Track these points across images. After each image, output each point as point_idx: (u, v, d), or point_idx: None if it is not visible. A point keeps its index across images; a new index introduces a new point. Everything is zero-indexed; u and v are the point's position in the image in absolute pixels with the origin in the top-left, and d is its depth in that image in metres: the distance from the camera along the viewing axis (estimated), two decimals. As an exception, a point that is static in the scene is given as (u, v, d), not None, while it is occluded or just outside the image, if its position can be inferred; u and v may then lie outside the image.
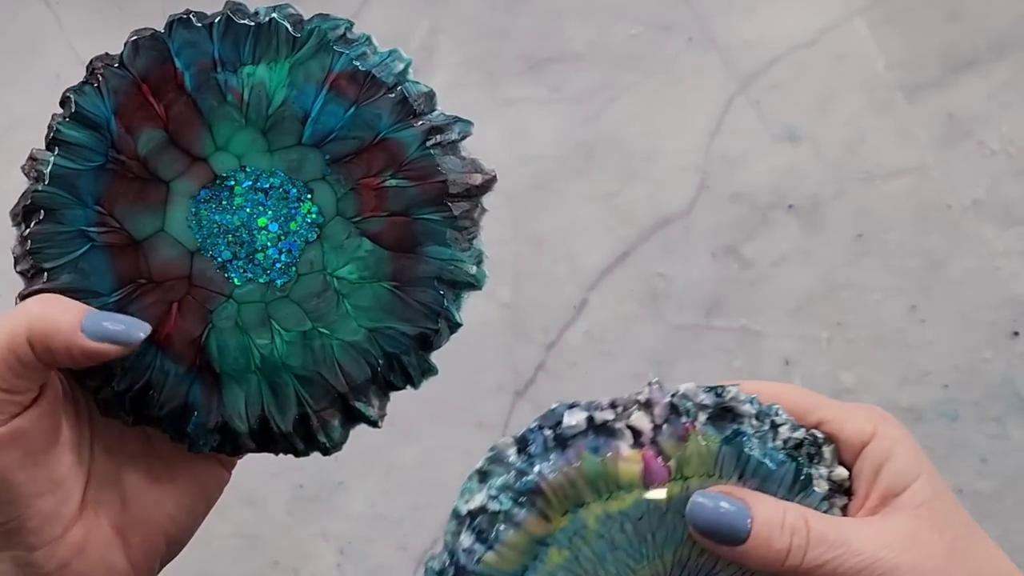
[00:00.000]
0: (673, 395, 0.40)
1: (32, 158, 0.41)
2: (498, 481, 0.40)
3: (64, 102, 0.41)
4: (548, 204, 0.87)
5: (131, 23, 0.83)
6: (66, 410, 0.41)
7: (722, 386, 0.40)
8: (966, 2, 0.83)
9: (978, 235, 0.81)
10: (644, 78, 0.88)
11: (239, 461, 0.46)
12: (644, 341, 0.85)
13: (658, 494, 0.39)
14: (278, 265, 0.42)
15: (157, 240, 0.41)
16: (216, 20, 0.42)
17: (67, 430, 0.40)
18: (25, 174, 0.41)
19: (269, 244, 0.42)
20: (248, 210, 0.42)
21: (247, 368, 0.42)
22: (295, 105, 0.42)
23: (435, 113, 0.43)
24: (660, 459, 0.40)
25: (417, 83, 0.43)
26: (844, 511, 0.40)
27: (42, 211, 0.41)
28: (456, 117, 0.44)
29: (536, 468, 0.40)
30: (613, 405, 0.40)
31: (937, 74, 0.82)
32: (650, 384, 0.40)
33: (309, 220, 0.42)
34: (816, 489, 0.40)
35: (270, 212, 0.42)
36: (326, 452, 0.43)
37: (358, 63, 0.42)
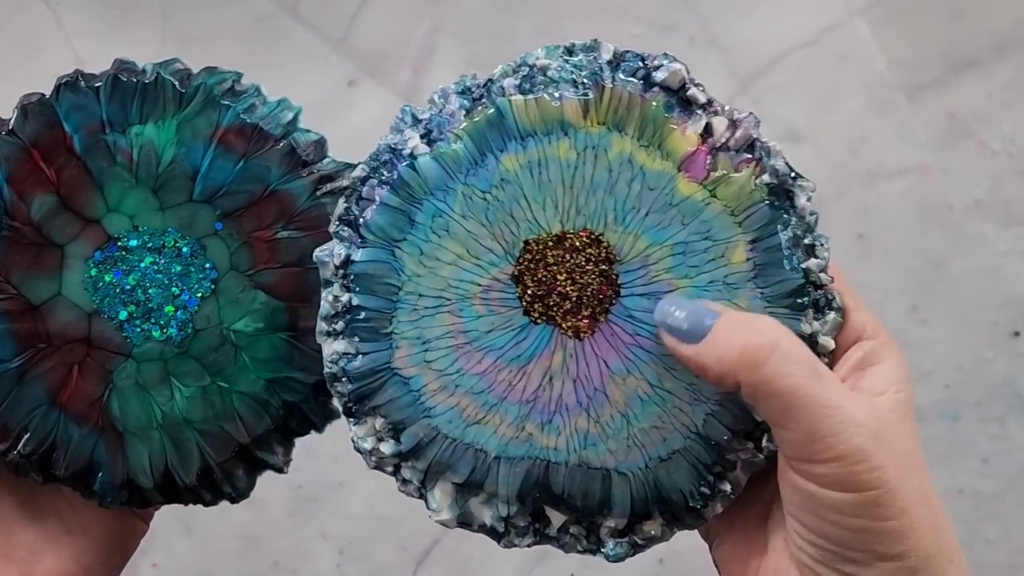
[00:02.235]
0: (760, 138, 0.40)
1: None
2: (579, 58, 0.40)
3: (-47, 173, 0.42)
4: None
5: (131, 23, 0.84)
6: None
7: (799, 175, 0.40)
8: (967, 2, 0.82)
9: (979, 235, 0.80)
10: None
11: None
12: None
13: (684, 186, 0.39)
14: (175, 322, 0.43)
15: (55, 304, 0.42)
16: (103, 82, 0.42)
17: None
18: None
19: (165, 302, 0.42)
20: (142, 269, 0.42)
21: (149, 425, 0.42)
22: (184, 162, 0.42)
23: (325, 161, 0.43)
24: (709, 162, 0.39)
25: (308, 131, 0.44)
26: None
27: (-59, 281, 0.42)
28: (347, 164, 0.44)
29: (615, 75, 0.39)
30: (710, 100, 0.40)
31: (938, 74, 0.82)
32: (752, 113, 0.40)
33: (203, 276, 0.43)
34: (801, 321, 0.39)
35: (164, 270, 0.42)
36: (233, 501, 0.44)
37: (245, 116, 0.43)
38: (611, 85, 0.39)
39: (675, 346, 0.38)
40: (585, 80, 0.39)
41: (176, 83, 0.43)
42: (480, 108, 0.40)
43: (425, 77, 0.82)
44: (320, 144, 0.44)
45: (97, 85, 0.42)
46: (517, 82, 0.40)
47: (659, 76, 0.39)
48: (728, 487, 0.40)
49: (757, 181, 0.39)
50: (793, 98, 0.85)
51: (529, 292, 0.39)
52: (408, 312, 0.39)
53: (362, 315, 0.39)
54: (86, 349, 0.42)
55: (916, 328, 0.80)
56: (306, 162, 0.43)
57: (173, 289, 0.42)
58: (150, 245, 0.42)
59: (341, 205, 0.40)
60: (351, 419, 0.40)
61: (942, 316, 0.80)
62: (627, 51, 0.40)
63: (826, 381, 0.35)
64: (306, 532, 0.76)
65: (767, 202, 0.39)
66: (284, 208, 0.43)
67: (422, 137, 0.40)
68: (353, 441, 0.40)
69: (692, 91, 0.40)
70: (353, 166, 0.44)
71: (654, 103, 0.39)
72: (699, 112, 0.40)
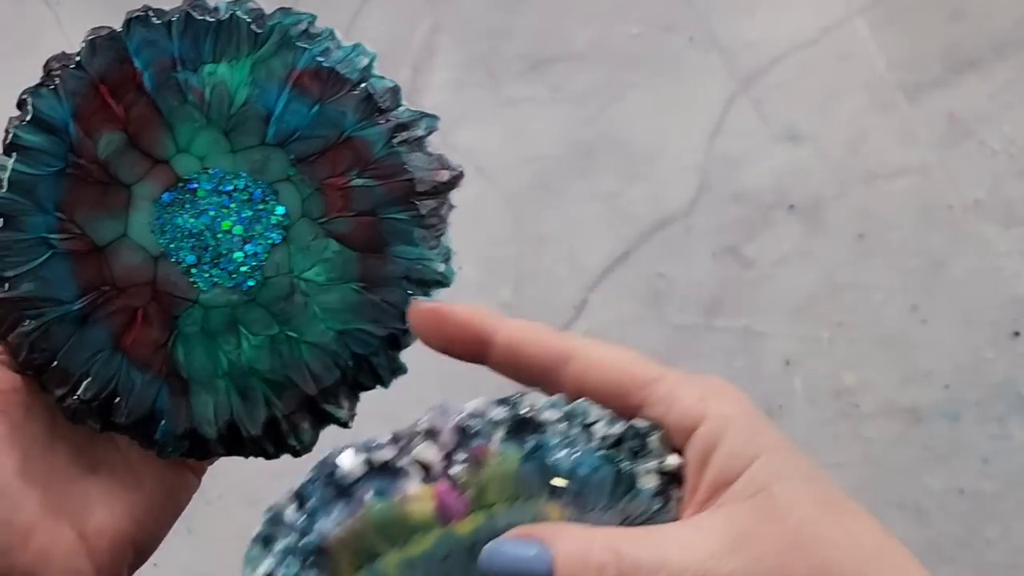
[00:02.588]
0: (460, 416, 0.35)
1: None
2: (280, 545, 0.35)
3: (21, 105, 0.41)
4: (549, 204, 0.87)
5: None
6: (15, 416, 0.40)
7: (519, 394, 0.36)
8: (968, 2, 0.82)
9: (980, 235, 0.81)
10: (645, 78, 0.88)
11: (229, 464, 0.45)
12: (645, 341, 0.84)
13: (461, 528, 0.34)
14: (244, 268, 0.41)
15: (120, 246, 0.41)
16: (175, 18, 0.41)
17: (10, 437, 0.40)
18: None
19: (234, 247, 0.41)
20: (212, 213, 0.41)
21: (215, 374, 0.41)
22: (258, 104, 0.41)
23: (400, 109, 0.42)
24: (456, 491, 0.35)
25: (382, 78, 0.43)
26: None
27: (2, 218, 0.40)
28: (422, 113, 0.43)
29: (317, 525, 0.35)
30: (395, 440, 0.35)
31: (938, 74, 0.82)
32: (432, 408, 0.36)
33: (274, 222, 0.41)
34: (644, 487, 0.35)
35: (234, 215, 0.41)
36: (296, 454, 0.42)
37: (321, 59, 0.42)
38: (330, 541, 0.35)
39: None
40: (305, 550, 0.35)
41: (251, 23, 0.41)
42: None
43: (425, 77, 0.83)
44: (395, 91, 0.43)
45: (170, 20, 0.41)
46: None
47: (344, 479, 0.35)
48: None
49: (502, 454, 0.35)
50: (793, 98, 0.85)
51: None
52: None
53: None
54: (151, 293, 0.41)
55: (916, 328, 0.81)
56: (382, 109, 0.42)
57: (243, 235, 0.41)
58: (220, 188, 0.41)
59: None
60: None
61: (942, 316, 0.81)
62: (303, 484, 0.36)
63: (664, 562, 0.32)
64: None
65: (524, 460, 0.35)
66: (359, 155, 0.41)
67: None
68: None
69: (375, 455, 0.35)
70: (426, 115, 0.43)
71: (370, 512, 0.35)
72: (401, 463, 0.35)
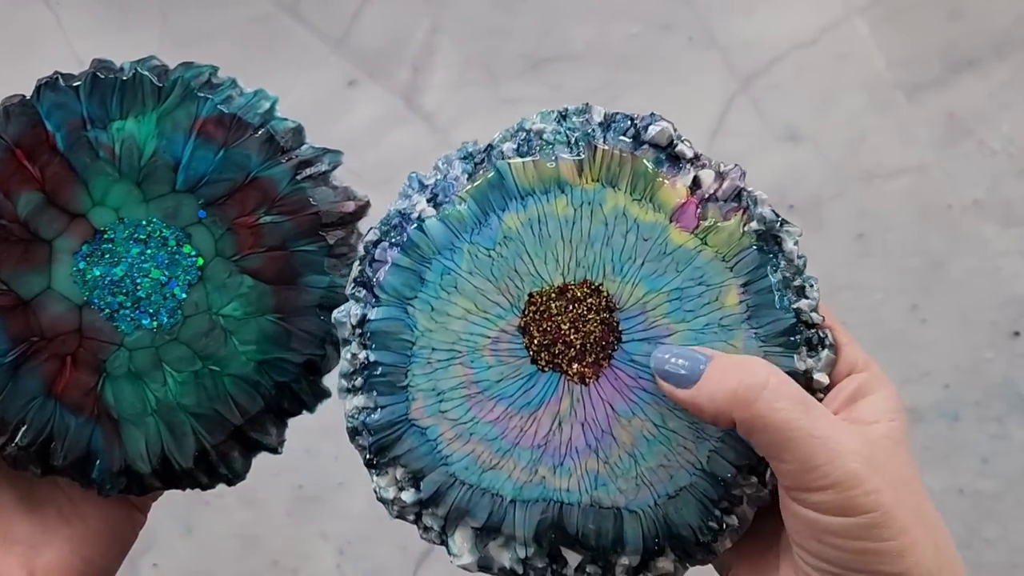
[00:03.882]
0: (747, 188, 0.42)
1: None
2: (572, 121, 0.42)
3: (-60, 174, 0.43)
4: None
5: (131, 23, 0.83)
6: None
7: (786, 221, 0.42)
8: (966, 1, 0.82)
9: (979, 235, 0.80)
10: (644, 77, 0.87)
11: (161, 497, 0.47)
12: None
13: (677, 235, 0.41)
14: (164, 310, 0.44)
15: (45, 298, 0.43)
16: (82, 80, 0.43)
17: None
18: None
19: (154, 291, 0.43)
20: (130, 260, 0.43)
21: (144, 411, 0.43)
22: (166, 154, 0.43)
23: (304, 147, 0.45)
24: (700, 212, 0.41)
25: (284, 119, 0.45)
26: None
27: (-68, 281, 0.43)
28: (325, 149, 0.45)
29: (607, 135, 0.41)
30: (697, 155, 0.42)
31: (937, 73, 0.82)
32: (737, 165, 0.42)
33: (190, 263, 0.44)
34: (795, 358, 0.41)
35: (151, 260, 0.44)
36: (230, 483, 0.45)
37: (223, 107, 0.44)
38: (603, 145, 0.41)
39: (671, 391, 0.39)
40: (579, 141, 0.41)
41: (154, 78, 0.44)
42: (481, 171, 0.42)
43: (425, 77, 0.82)
44: (298, 131, 0.45)
45: (76, 84, 0.43)
46: (515, 146, 0.42)
47: (648, 134, 0.41)
48: (735, 521, 0.41)
49: (746, 228, 0.41)
50: (793, 98, 0.84)
51: (535, 342, 0.41)
52: (422, 365, 0.41)
53: (379, 370, 0.41)
54: (78, 340, 0.43)
55: (916, 328, 0.80)
56: (284, 149, 0.44)
57: (161, 278, 0.43)
58: (136, 236, 0.43)
59: (356, 268, 0.42)
60: (373, 470, 0.42)
61: (942, 316, 0.80)
62: (617, 112, 0.42)
63: (816, 413, 0.37)
64: (306, 532, 0.76)
65: (756, 247, 0.41)
66: (266, 194, 0.44)
67: (428, 201, 0.42)
68: (376, 492, 0.42)
69: (680, 147, 0.42)
70: (330, 151, 0.45)
71: (644, 159, 0.41)
72: (687, 166, 0.42)
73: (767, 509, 0.42)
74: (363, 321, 0.41)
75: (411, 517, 0.42)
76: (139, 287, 0.43)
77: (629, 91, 0.87)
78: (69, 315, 0.43)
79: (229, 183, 0.44)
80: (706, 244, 0.41)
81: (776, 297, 0.41)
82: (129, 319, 0.43)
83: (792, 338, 0.41)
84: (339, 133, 0.80)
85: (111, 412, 0.43)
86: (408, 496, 0.41)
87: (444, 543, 0.42)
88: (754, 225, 0.41)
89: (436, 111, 0.81)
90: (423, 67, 0.82)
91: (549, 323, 0.41)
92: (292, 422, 0.46)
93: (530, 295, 0.41)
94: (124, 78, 0.44)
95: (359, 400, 0.41)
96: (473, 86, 0.82)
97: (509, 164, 0.41)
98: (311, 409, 0.45)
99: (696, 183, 0.41)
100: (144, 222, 0.44)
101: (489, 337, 0.41)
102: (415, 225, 0.41)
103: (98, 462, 0.43)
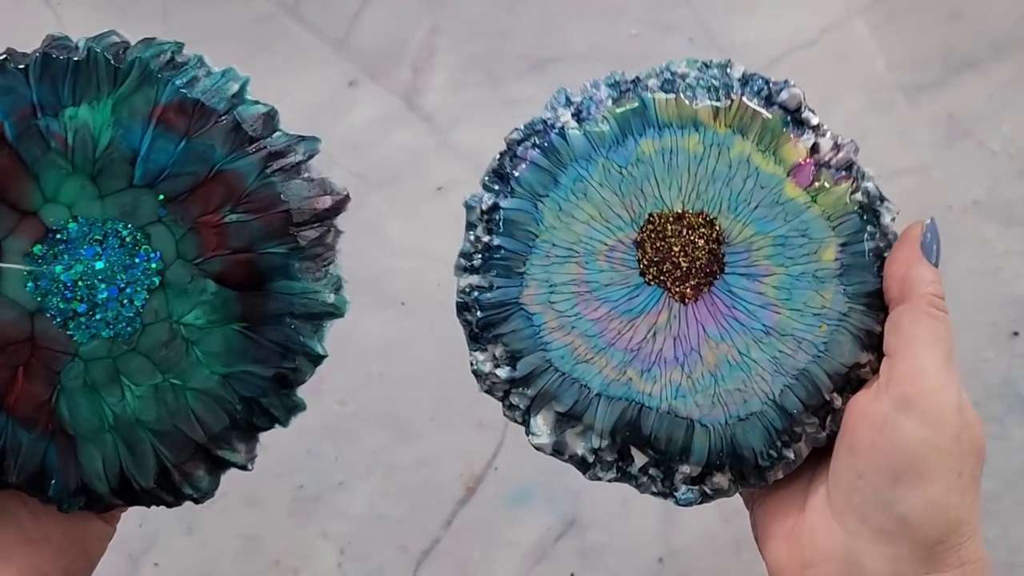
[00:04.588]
0: (858, 164, 0.46)
1: None
2: (714, 71, 0.46)
3: None
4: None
5: (131, 23, 0.83)
6: None
7: (886, 199, 0.46)
8: (967, 2, 0.82)
9: (979, 235, 0.80)
10: None
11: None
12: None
13: (791, 189, 0.45)
14: (122, 317, 0.40)
15: (-7, 304, 0.40)
16: (32, 61, 0.39)
17: None
18: None
19: (110, 296, 0.40)
20: (85, 262, 0.40)
21: (101, 428, 0.40)
22: (122, 145, 0.39)
23: (276, 135, 0.40)
24: (814, 172, 0.45)
25: (256, 103, 0.40)
26: None
27: None
28: (300, 136, 0.40)
29: (744, 90, 0.46)
30: (820, 124, 0.46)
31: (938, 74, 0.81)
32: (853, 140, 0.46)
33: (149, 267, 0.40)
34: (875, 320, 0.45)
35: (107, 262, 0.40)
36: (197, 501, 0.41)
37: (186, 91, 0.40)
38: (740, 97, 0.45)
39: (912, 249, 0.44)
40: (718, 90, 0.45)
41: (110, 58, 0.39)
42: (626, 99, 0.46)
43: (425, 77, 0.82)
44: (269, 117, 0.40)
45: (25, 66, 0.39)
46: (659, 83, 0.46)
47: (780, 97, 0.46)
48: (791, 455, 0.45)
49: (852, 196, 0.45)
50: None
51: (647, 257, 0.45)
52: (541, 257, 0.45)
53: (500, 254, 0.45)
54: (31, 349, 0.40)
55: None
56: (253, 138, 0.40)
57: (118, 282, 0.40)
58: (91, 236, 0.40)
59: (494, 161, 0.45)
60: (474, 344, 0.45)
61: None
62: (754, 73, 0.46)
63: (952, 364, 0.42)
64: (307, 532, 0.76)
65: (858, 214, 0.45)
66: (231, 189, 0.39)
67: (573, 116, 0.45)
68: (472, 364, 0.45)
69: (806, 114, 0.46)
70: (305, 138, 0.41)
71: (773, 117, 0.45)
72: (809, 132, 0.45)
73: (810, 455, 0.45)
74: (493, 208, 0.45)
75: (499, 393, 0.45)
76: (95, 292, 0.40)
77: (630, 92, 0.86)
78: (20, 322, 0.40)
79: (191, 177, 0.39)
80: (815, 202, 0.45)
81: (868, 262, 0.45)
82: (84, 327, 0.40)
83: (876, 300, 0.45)
84: (339, 133, 0.80)
85: (66, 427, 0.40)
86: (503, 373, 0.45)
87: (525, 422, 0.45)
88: (859, 196, 0.45)
89: (436, 112, 0.81)
90: (423, 68, 0.82)
91: (662, 243, 0.45)
92: (293, 422, 0.42)
93: (650, 215, 0.45)
94: (78, 59, 0.39)
95: (474, 279, 0.45)
96: (473, 87, 0.82)
97: (654, 97, 0.45)
98: (284, 423, 0.41)
99: (815, 148, 0.45)
100: (99, 220, 0.40)
101: (607, 244, 0.45)
102: (558, 133, 0.45)
103: (54, 480, 0.40)
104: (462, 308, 0.45)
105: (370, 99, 0.81)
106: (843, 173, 0.45)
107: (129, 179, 0.39)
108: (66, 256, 0.40)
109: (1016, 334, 0.79)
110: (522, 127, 0.46)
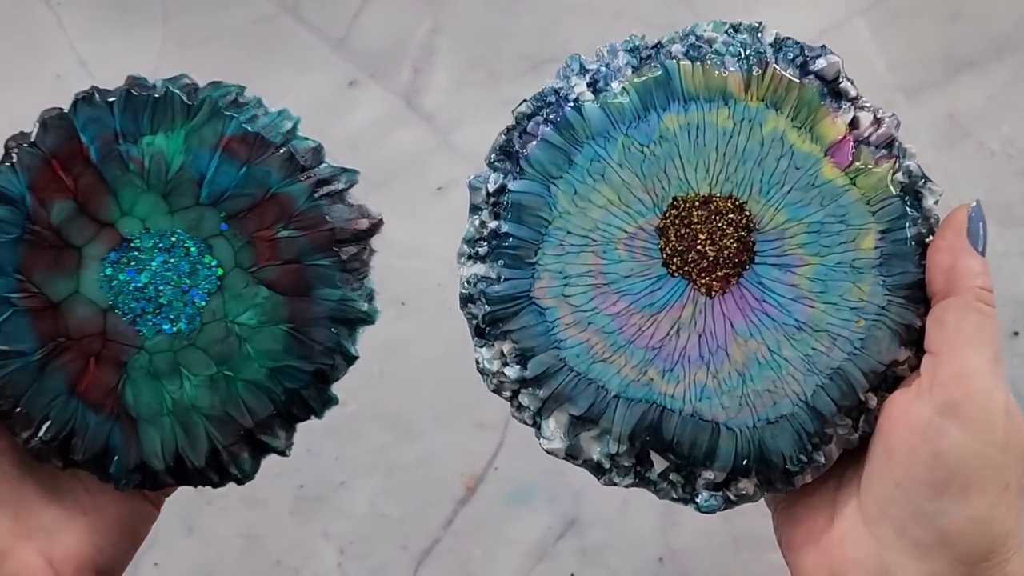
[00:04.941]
0: (899, 139, 0.42)
1: None
2: (744, 36, 0.42)
3: (-19, 181, 0.46)
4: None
5: (132, 25, 0.83)
6: None
7: (929, 179, 0.42)
8: (967, 3, 0.82)
9: None
10: None
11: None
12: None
13: (828, 170, 0.41)
14: (184, 316, 0.46)
15: (73, 301, 0.46)
16: (117, 96, 0.46)
17: None
18: None
19: (175, 298, 0.46)
20: (154, 268, 0.46)
21: (160, 412, 0.46)
22: (192, 169, 0.46)
23: (323, 166, 0.47)
24: (853, 151, 0.41)
25: (306, 139, 0.47)
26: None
27: (-32, 282, 0.45)
28: (343, 168, 0.47)
29: (777, 57, 0.42)
30: (859, 96, 0.42)
31: (938, 75, 0.81)
32: (894, 114, 0.42)
33: (210, 273, 0.46)
34: (915, 313, 0.42)
35: (174, 268, 0.46)
36: (240, 482, 0.47)
37: (248, 126, 0.46)
38: (774, 65, 0.41)
39: (958, 237, 0.41)
40: (750, 57, 0.42)
41: (184, 96, 0.46)
42: (647, 67, 0.42)
43: (425, 78, 0.81)
44: (317, 151, 0.47)
45: (111, 100, 0.46)
46: (684, 49, 0.42)
47: (816, 65, 0.42)
48: (822, 459, 0.42)
49: (893, 177, 0.42)
50: None
51: (671, 245, 0.42)
52: (554, 246, 0.41)
53: (509, 241, 0.41)
54: (102, 342, 0.46)
55: None
56: (304, 167, 0.47)
57: (182, 286, 0.46)
58: (160, 245, 0.46)
59: (501, 137, 0.42)
60: (480, 340, 0.42)
61: None
62: (788, 37, 0.43)
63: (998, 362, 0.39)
64: (308, 531, 0.77)
65: (900, 198, 0.42)
66: (284, 210, 0.46)
67: (588, 86, 0.41)
68: (477, 362, 0.42)
69: (844, 84, 0.42)
70: (347, 170, 0.47)
71: (809, 89, 0.41)
72: (848, 105, 0.42)
73: (841, 455, 0.43)
74: (500, 191, 0.41)
75: (507, 393, 0.42)
76: (161, 294, 0.46)
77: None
78: (95, 318, 0.46)
79: (250, 198, 0.46)
80: (854, 185, 0.41)
81: (911, 250, 0.41)
82: (150, 324, 0.46)
83: (918, 293, 0.42)
84: (340, 133, 0.80)
85: (129, 411, 0.46)
86: (512, 372, 0.42)
87: (536, 425, 0.42)
88: (900, 176, 0.42)
89: (437, 112, 0.80)
90: (423, 68, 0.82)
91: (687, 230, 0.41)
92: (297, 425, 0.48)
93: (674, 198, 0.41)
94: (156, 95, 0.46)
95: (479, 268, 0.42)
96: (474, 87, 0.81)
97: (679, 65, 0.41)
98: (319, 415, 0.47)
99: (854, 123, 0.42)
100: (169, 232, 0.46)
101: (626, 232, 0.41)
102: (572, 106, 0.41)
103: (116, 458, 0.46)
104: (466, 300, 0.42)
105: (370, 99, 0.80)
106: (884, 151, 0.42)
107: (196, 198, 0.46)
108: (137, 262, 0.46)
109: (1016, 334, 0.78)
110: (531, 98, 0.42)
